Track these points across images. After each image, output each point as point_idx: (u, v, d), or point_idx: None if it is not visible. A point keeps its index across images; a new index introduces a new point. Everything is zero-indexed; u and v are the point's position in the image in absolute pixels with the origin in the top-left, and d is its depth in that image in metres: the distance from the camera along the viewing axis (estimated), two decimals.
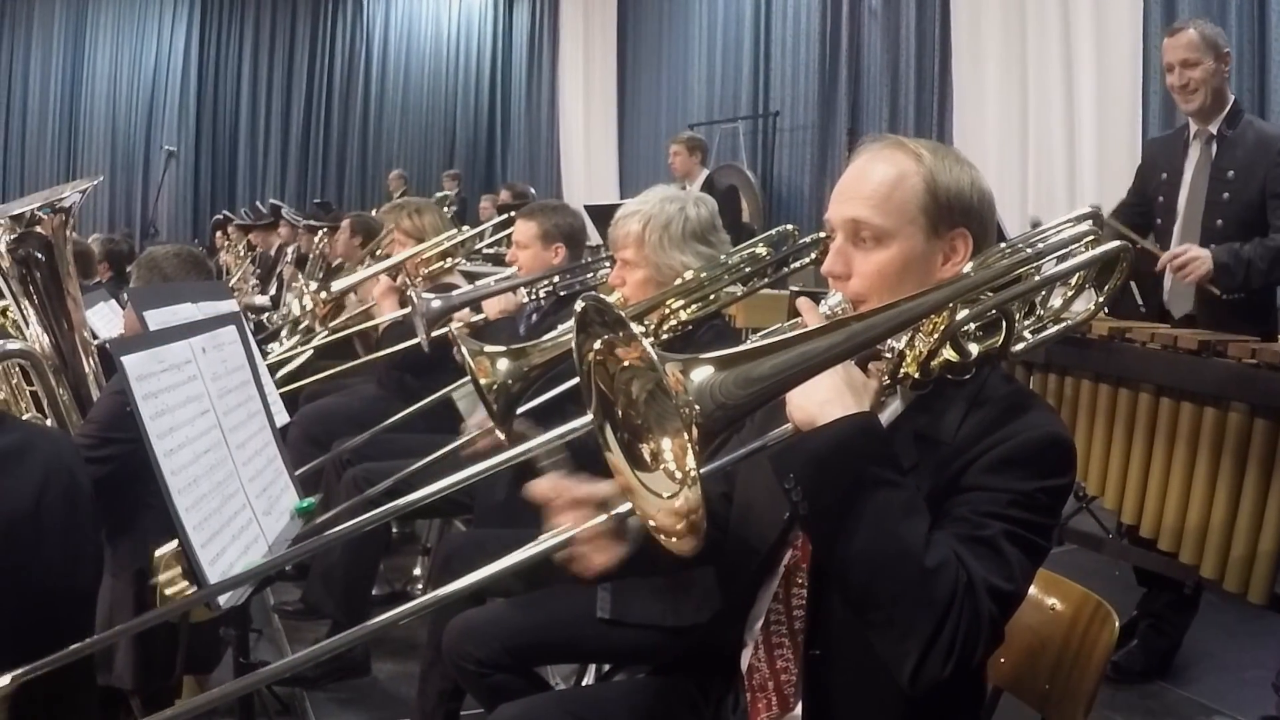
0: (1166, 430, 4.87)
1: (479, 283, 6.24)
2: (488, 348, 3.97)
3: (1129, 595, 5.91)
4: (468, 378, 4.14)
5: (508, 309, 5.81)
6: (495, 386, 3.88)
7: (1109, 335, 5.04)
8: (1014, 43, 12.07)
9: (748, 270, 4.37)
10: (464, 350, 3.97)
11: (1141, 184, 6.26)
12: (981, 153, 12.15)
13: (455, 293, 5.87)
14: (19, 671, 2.41)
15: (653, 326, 4.04)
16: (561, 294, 5.80)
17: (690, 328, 4.13)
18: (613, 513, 2.51)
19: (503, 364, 3.90)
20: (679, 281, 4.15)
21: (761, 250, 4.43)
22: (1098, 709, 2.95)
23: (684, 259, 4.23)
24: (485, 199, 18.65)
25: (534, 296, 5.84)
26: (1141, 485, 4.99)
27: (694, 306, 4.13)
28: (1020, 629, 3.02)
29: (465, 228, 7.18)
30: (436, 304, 5.57)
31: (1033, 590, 3.03)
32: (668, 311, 4.09)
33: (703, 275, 4.17)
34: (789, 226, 4.69)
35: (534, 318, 5.95)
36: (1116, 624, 2.87)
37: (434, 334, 5.55)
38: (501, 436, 3.98)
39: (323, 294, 7.14)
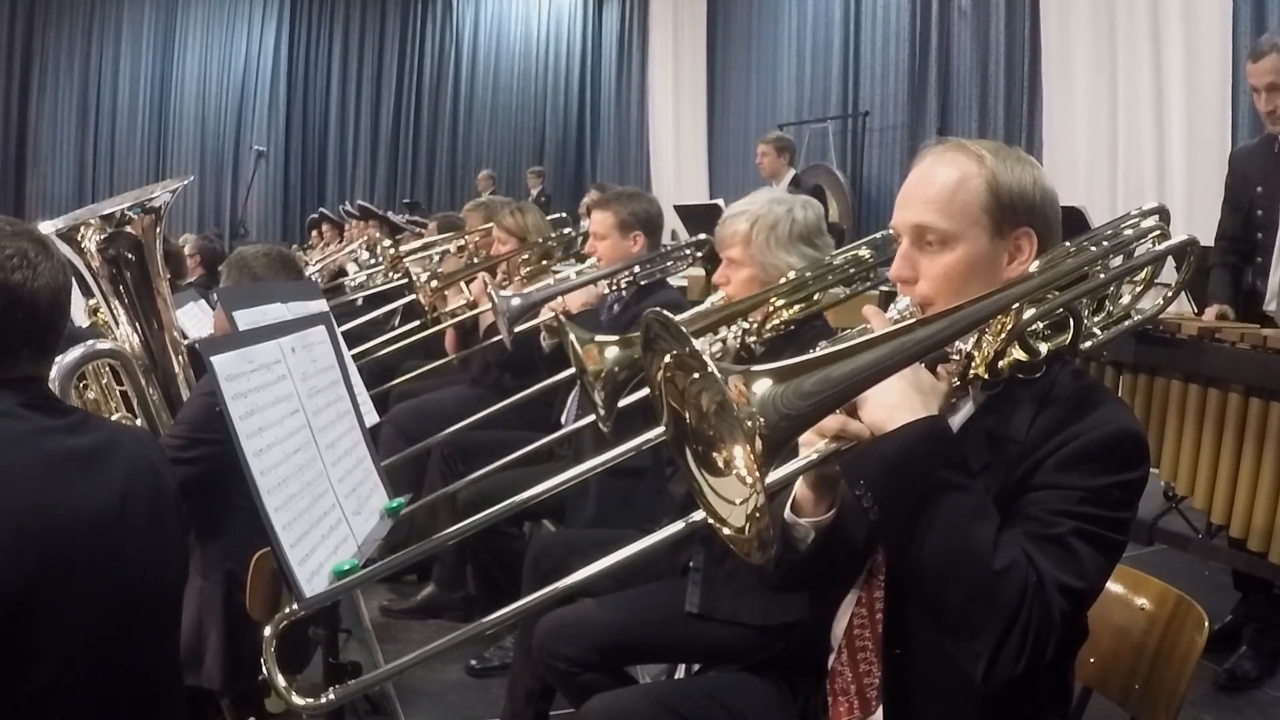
0: (1256, 430, 4.85)
1: (558, 276, 6.22)
2: (598, 336, 3.98)
3: (1219, 596, 5.86)
4: (568, 371, 4.15)
5: (589, 301, 5.82)
6: (602, 374, 3.89)
7: (1198, 335, 5.03)
8: (1103, 43, 12.03)
9: (851, 272, 4.36)
10: (572, 337, 3.98)
11: (1235, 198, 6.18)
12: (1071, 154, 12.13)
13: (535, 288, 5.88)
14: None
15: (756, 325, 4.10)
16: (643, 283, 5.84)
17: (793, 328, 4.14)
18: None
19: (612, 352, 3.90)
20: (782, 281, 4.15)
21: (864, 253, 4.42)
22: (1186, 709, 2.93)
23: (789, 259, 4.21)
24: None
25: (614, 287, 5.86)
26: (1231, 485, 4.97)
27: (797, 306, 4.15)
28: (1110, 629, 3.01)
29: (566, 230, 7.18)
30: (516, 302, 5.59)
31: (1122, 590, 3.03)
32: (771, 310, 4.11)
33: (807, 275, 4.18)
34: (891, 231, 4.70)
35: (615, 308, 5.99)
36: (1206, 624, 2.85)
37: (517, 330, 5.60)
38: (604, 429, 3.98)
39: (433, 282, 7.12)
